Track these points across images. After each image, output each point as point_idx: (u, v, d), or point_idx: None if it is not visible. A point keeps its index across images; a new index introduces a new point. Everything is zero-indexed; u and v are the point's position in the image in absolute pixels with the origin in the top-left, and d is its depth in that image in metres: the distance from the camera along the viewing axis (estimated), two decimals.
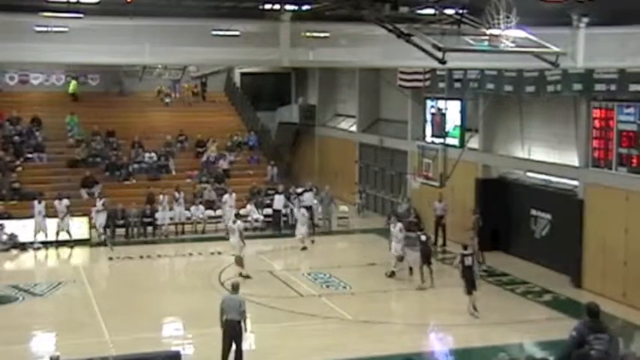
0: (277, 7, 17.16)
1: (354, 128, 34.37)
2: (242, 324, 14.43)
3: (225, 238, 27.01)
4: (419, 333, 17.38)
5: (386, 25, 14.71)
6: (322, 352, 16.24)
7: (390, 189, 31.54)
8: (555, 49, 13.94)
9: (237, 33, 30.07)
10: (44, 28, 28.54)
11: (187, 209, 28.48)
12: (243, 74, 38.94)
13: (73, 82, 36.14)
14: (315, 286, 21.58)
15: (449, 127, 25.54)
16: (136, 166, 31.88)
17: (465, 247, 19.28)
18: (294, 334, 17.50)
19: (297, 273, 23.00)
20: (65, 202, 26.82)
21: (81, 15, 28.93)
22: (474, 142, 25.55)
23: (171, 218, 27.98)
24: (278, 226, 28.71)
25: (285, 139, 38.60)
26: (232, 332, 14.37)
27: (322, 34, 27.43)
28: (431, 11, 15.55)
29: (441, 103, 26.10)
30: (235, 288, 14.80)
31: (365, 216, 31.46)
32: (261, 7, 17.72)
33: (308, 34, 28.31)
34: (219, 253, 25.45)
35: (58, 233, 26.21)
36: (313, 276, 22.57)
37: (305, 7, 17.56)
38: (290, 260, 25.52)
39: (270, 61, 31.72)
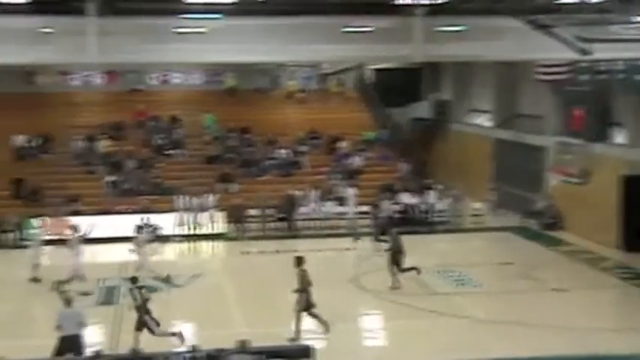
0: (410, 1, 16.91)
1: (488, 124, 33.58)
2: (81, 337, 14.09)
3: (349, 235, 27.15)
4: (554, 336, 16.68)
5: (523, 16, 14.24)
6: (452, 351, 15.92)
7: (526, 186, 30.58)
8: None
9: (369, 29, 30.13)
10: (184, 30, 29.64)
11: (322, 205, 28.80)
12: (374, 70, 38.89)
13: (231, 77, 37.28)
14: (446, 283, 21.25)
15: (589, 121, 24.49)
16: (269, 162, 32.48)
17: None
18: (424, 331, 17.26)
19: (429, 270, 22.70)
20: (215, 196, 28.11)
21: (218, 16, 29.77)
22: (618, 137, 24.33)
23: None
24: (409, 222, 28.51)
25: (417, 136, 38.25)
26: (72, 347, 13.93)
27: (457, 28, 26.85)
28: (572, 0, 14.92)
29: (581, 97, 25.06)
30: (69, 302, 14.58)
31: (500, 214, 30.69)
32: (393, 2, 17.53)
33: (442, 28, 27.86)
34: (352, 249, 25.52)
35: (196, 227, 27.21)
36: (444, 273, 22.21)
37: (439, 1, 17.24)
38: (422, 257, 25.20)
39: (402, 57, 31.67)
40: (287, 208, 28.02)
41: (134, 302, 15.40)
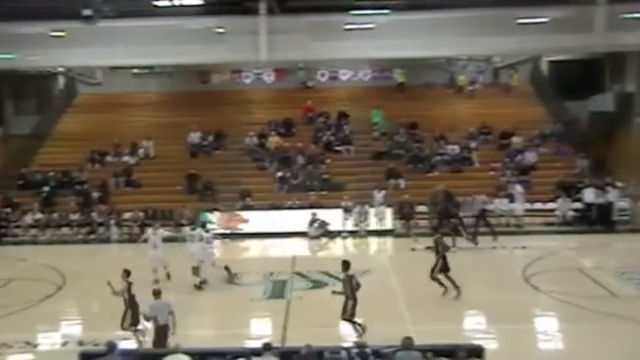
0: None
1: None
2: (170, 326, 14.38)
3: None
4: None
5: None
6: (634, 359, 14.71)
7: None
8: None
9: (545, 20, 28.82)
10: (353, 26, 29.68)
11: (490, 202, 27.84)
12: (550, 62, 37.17)
13: (401, 72, 37.09)
14: (628, 286, 19.81)
15: None
16: (438, 158, 31.80)
17: (128, 274, 15.82)
18: (603, 336, 16.03)
19: (609, 271, 21.31)
20: (383, 192, 27.98)
21: (387, 11, 29.55)
22: None
23: None
24: (589, 220, 26.93)
25: (597, 130, 36.05)
26: (164, 336, 14.24)
27: None
28: None
29: None
30: (157, 293, 14.64)
31: None
32: None
33: (627, 15, 26.06)
34: (524, 247, 24.46)
35: (364, 223, 27.07)
36: (628, 275, 20.71)
37: None
38: (602, 258, 23.76)
39: (582, 47, 30.11)
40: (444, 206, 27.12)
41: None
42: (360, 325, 15.77)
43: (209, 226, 22.14)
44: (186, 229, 21.09)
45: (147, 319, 14.56)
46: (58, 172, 31.66)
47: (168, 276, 20.41)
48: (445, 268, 18.59)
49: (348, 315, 15.74)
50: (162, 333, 14.31)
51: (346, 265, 15.97)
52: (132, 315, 15.35)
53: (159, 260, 20.64)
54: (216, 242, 22.38)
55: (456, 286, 18.61)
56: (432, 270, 18.63)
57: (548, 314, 18.24)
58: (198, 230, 20.72)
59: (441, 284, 18.63)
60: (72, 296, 20.32)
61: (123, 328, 15.29)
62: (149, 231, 21.42)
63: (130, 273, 15.80)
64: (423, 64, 36.49)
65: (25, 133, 35.73)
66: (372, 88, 37.57)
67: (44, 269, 22.99)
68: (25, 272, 23.21)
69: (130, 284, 15.55)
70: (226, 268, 20.95)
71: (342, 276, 16.13)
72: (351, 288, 15.73)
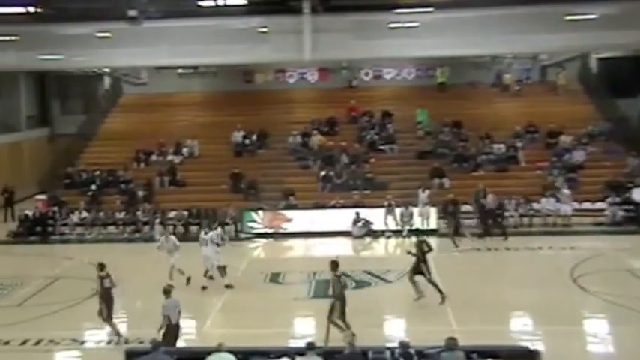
0: None
1: None
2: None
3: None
4: None
5: None
6: None
7: None
8: None
9: (594, 16, 28.28)
10: (397, 25, 29.46)
11: (536, 202, 27.42)
12: (599, 59, 36.46)
13: (441, 71, 36.78)
14: None
15: None
16: (483, 157, 31.39)
17: (102, 267, 16.17)
18: None
19: None
20: (427, 192, 27.63)
21: (431, 9, 29.28)
22: None
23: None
24: (639, 221, 26.32)
25: None
26: (176, 335, 14.60)
27: None
28: None
29: None
30: (167, 292, 14.90)
31: None
32: None
33: None
34: (572, 247, 24.00)
35: (407, 222, 26.81)
36: None
37: None
38: None
39: (632, 44, 29.48)
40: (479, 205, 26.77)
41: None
42: (343, 327, 15.50)
43: (216, 228, 21.91)
44: (201, 234, 20.94)
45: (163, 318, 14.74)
46: (104, 171, 32.02)
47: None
48: (417, 270, 18.37)
49: (338, 315, 15.59)
50: (174, 331, 14.55)
51: (335, 264, 15.92)
52: (105, 307, 16.13)
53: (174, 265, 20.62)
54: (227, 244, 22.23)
55: (419, 292, 18.32)
56: (427, 275, 18.41)
57: (596, 316, 17.89)
58: (211, 234, 20.62)
59: (436, 286, 18.39)
60: (117, 294, 20.19)
61: (103, 320, 16.19)
62: (162, 239, 21.55)
63: (105, 266, 16.07)
64: (466, 63, 36.15)
65: (72, 133, 36.26)
66: (417, 87, 37.33)
67: (90, 267, 23.14)
68: (72, 270, 23.48)
69: (102, 278, 16.09)
70: (223, 267, 20.73)
71: (330, 275, 16.06)
72: (340, 288, 15.72)
